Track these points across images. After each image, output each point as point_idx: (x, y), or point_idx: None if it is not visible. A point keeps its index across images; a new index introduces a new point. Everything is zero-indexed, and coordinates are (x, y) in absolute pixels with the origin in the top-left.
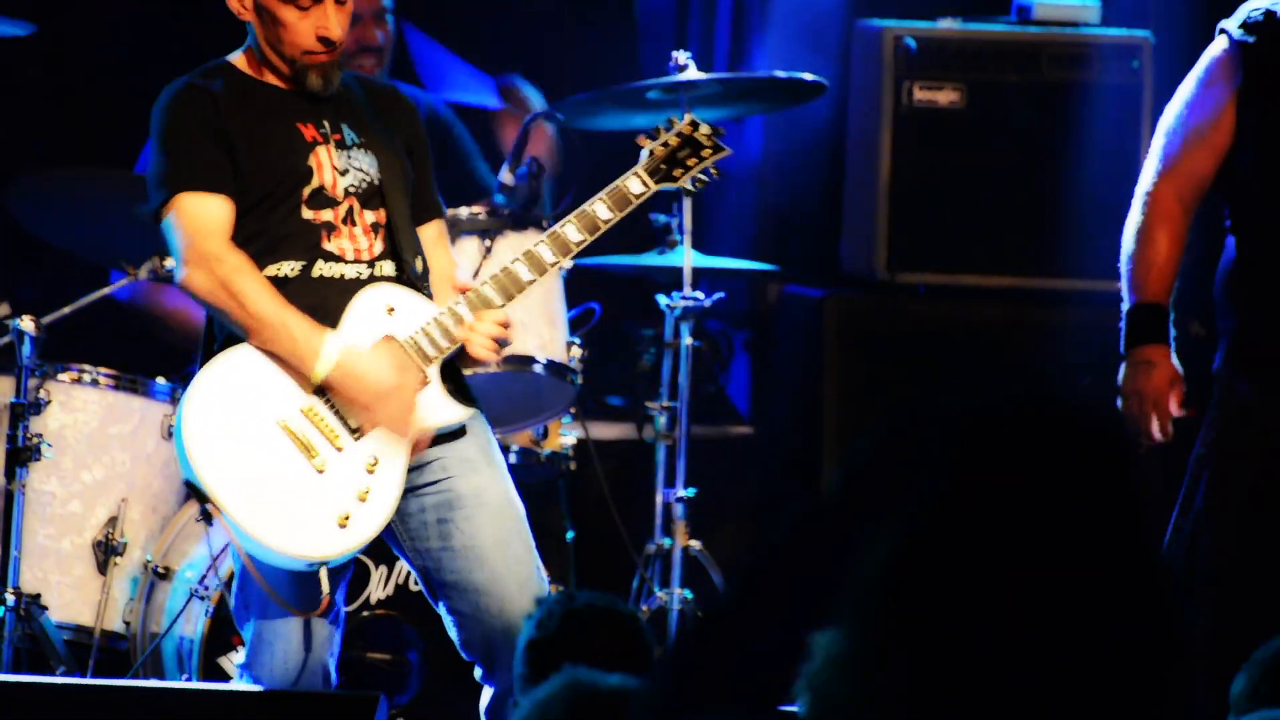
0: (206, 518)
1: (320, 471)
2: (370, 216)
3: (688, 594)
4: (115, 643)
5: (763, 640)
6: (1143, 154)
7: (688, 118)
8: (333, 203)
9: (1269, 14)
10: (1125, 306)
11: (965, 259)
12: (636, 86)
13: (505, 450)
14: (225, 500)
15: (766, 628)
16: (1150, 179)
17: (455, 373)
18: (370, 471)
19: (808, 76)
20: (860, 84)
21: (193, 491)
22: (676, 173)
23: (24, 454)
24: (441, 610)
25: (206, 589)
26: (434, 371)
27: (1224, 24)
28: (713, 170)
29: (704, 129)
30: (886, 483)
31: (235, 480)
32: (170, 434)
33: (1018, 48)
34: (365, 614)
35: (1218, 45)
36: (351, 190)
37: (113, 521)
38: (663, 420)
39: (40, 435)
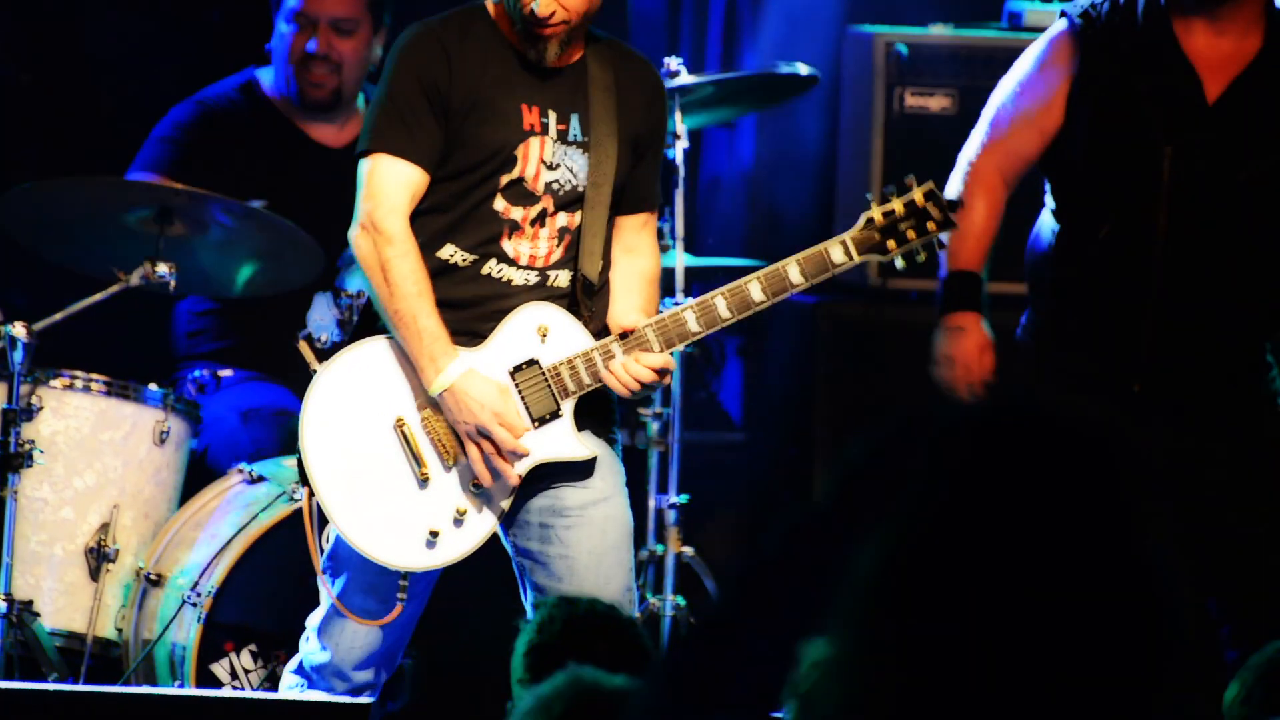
0: (307, 493)
1: (425, 480)
2: (563, 220)
3: (680, 600)
4: (107, 650)
5: (755, 647)
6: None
7: (927, 185)
8: (529, 198)
9: (1113, 2)
10: (941, 273)
11: None
12: None
13: None
14: (323, 485)
15: (758, 634)
16: (975, 149)
17: (599, 405)
18: (474, 494)
19: (802, 69)
20: (852, 90)
21: (300, 467)
22: (890, 244)
23: (16, 460)
24: (527, 604)
25: (199, 596)
26: (569, 406)
27: (1067, 7)
28: (936, 245)
29: (939, 200)
30: (878, 489)
31: (338, 469)
32: (163, 440)
33: (1009, 54)
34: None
35: (1057, 27)
36: (553, 188)
37: (105, 528)
38: (655, 426)
39: (32, 441)
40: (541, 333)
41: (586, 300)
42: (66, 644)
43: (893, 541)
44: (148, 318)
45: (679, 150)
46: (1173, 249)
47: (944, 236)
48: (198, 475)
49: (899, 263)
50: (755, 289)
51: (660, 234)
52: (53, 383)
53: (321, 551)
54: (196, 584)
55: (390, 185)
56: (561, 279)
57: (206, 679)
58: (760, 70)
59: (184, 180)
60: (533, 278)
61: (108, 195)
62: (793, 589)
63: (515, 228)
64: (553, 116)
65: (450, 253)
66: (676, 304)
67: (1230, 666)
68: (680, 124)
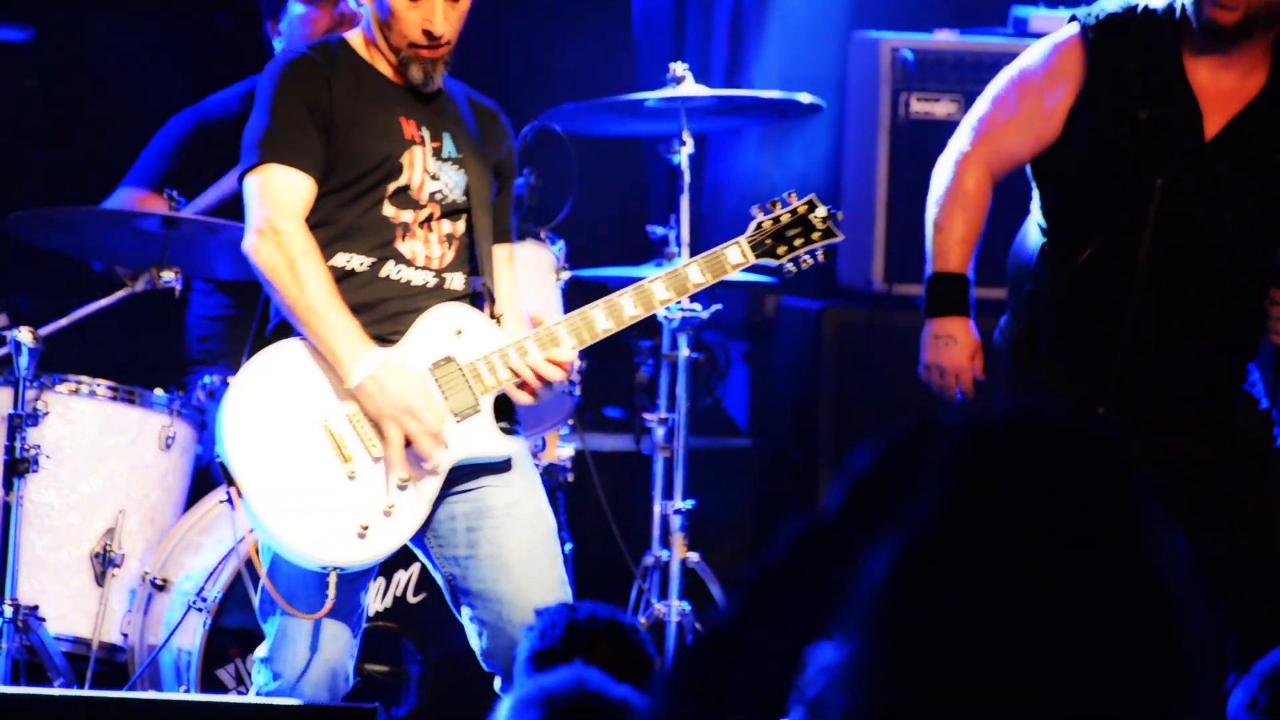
0: (229, 501)
1: (351, 478)
2: (448, 227)
3: (686, 606)
4: (113, 655)
5: (762, 654)
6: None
7: (808, 197)
8: (415, 205)
9: (1127, 14)
10: (927, 272)
11: None
12: (630, 100)
13: None
14: (250, 488)
15: (766, 641)
16: (967, 142)
17: (506, 403)
18: (401, 488)
19: (804, 99)
20: (857, 95)
21: (222, 472)
22: (780, 250)
23: (21, 465)
24: (464, 618)
25: (204, 601)
26: (488, 401)
27: (1079, 13)
28: (820, 254)
29: (820, 211)
30: (886, 496)
31: (264, 470)
32: (168, 445)
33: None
34: (363, 626)
35: (1067, 32)
36: (436, 198)
37: (110, 533)
38: (660, 432)
39: (38, 446)
40: (457, 332)
41: (491, 306)
42: (72, 649)
43: (905, 548)
44: (156, 322)
45: (684, 156)
46: (1152, 279)
47: (828, 245)
48: (204, 480)
49: (789, 266)
50: (659, 287)
51: (665, 240)
52: (58, 388)
53: (259, 557)
54: (202, 589)
55: (285, 191)
56: (456, 282)
57: (212, 684)
58: (765, 97)
59: (183, 191)
60: (430, 279)
61: (107, 218)
62: (800, 595)
63: (406, 229)
64: (427, 132)
65: (346, 260)
66: (683, 311)
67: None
68: (685, 130)
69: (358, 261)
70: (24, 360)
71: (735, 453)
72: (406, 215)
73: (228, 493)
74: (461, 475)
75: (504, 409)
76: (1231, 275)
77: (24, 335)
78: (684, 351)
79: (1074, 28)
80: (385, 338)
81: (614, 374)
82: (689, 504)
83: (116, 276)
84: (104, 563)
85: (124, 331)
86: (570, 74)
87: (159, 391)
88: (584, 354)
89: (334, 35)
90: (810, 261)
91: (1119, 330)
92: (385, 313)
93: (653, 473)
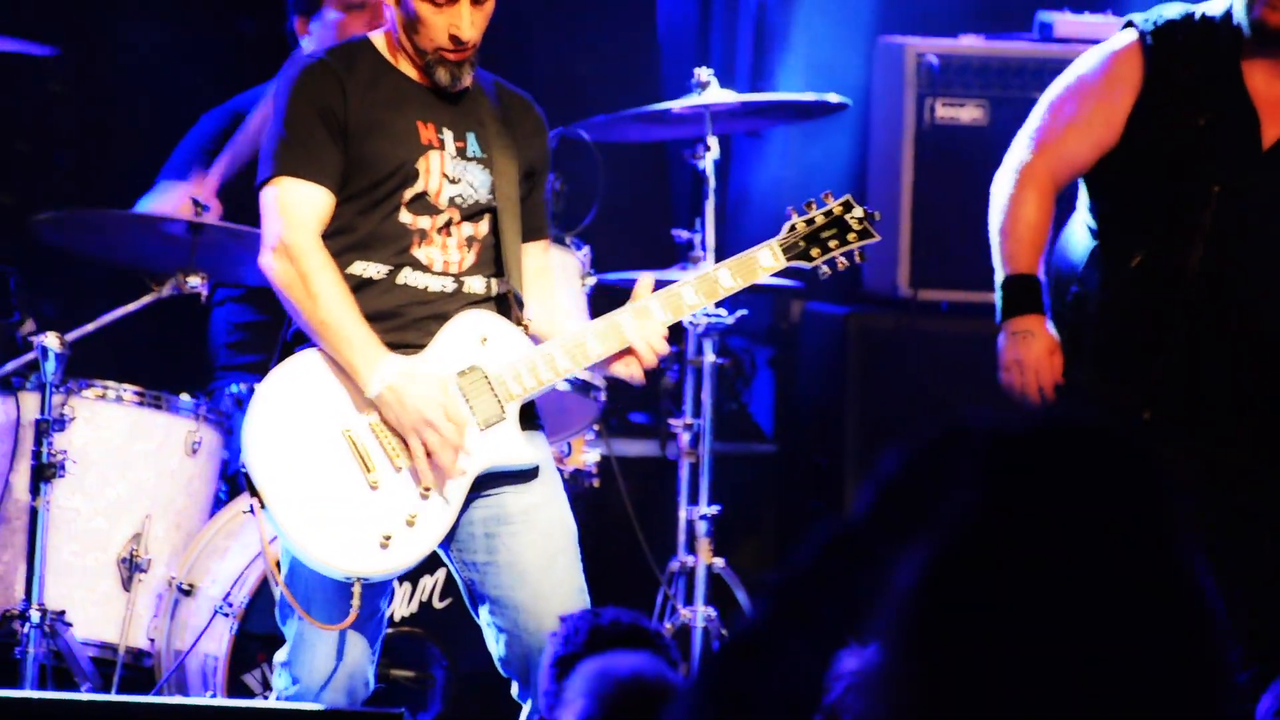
0: (252, 510)
1: (374, 488)
2: (469, 230)
3: (711, 611)
4: (140, 660)
5: (789, 660)
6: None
7: (844, 198)
8: (433, 210)
9: (1185, 20)
10: (998, 278)
11: (988, 276)
12: (654, 111)
13: None
14: (273, 498)
15: (793, 647)
16: (1027, 151)
17: (528, 411)
18: (424, 497)
19: (832, 98)
20: (882, 101)
21: (245, 482)
22: (814, 252)
23: (48, 470)
24: (482, 624)
25: (231, 606)
26: (514, 409)
27: (1135, 18)
28: (858, 255)
29: (857, 212)
30: (914, 502)
31: (287, 480)
32: (195, 450)
33: (1040, 64)
34: (389, 631)
35: (1125, 38)
36: (456, 202)
37: (137, 538)
38: (686, 437)
39: (65, 452)
40: (482, 340)
41: (518, 311)
42: (99, 654)
43: (934, 555)
44: (182, 327)
45: (709, 161)
46: (1202, 286)
47: (866, 246)
48: (230, 486)
49: (824, 268)
50: (689, 291)
51: (690, 245)
52: (85, 393)
53: (279, 566)
54: (228, 594)
55: (298, 205)
56: (476, 285)
57: (238, 689)
58: (791, 99)
59: (218, 184)
60: (449, 284)
61: (135, 224)
62: (827, 601)
63: (423, 236)
64: (449, 134)
65: (362, 268)
66: (708, 316)
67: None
68: (710, 134)
69: (374, 269)
70: (51, 365)
71: (760, 458)
72: (424, 221)
73: (250, 503)
74: (485, 481)
75: (530, 418)
76: None
77: (51, 340)
78: (709, 357)
79: (1131, 34)
80: (407, 345)
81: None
82: (714, 509)
83: (146, 280)
84: (130, 568)
85: (150, 336)
86: (595, 79)
87: (185, 397)
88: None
89: (357, 35)
90: (846, 263)
91: (1168, 336)
92: (405, 320)
93: (678, 478)
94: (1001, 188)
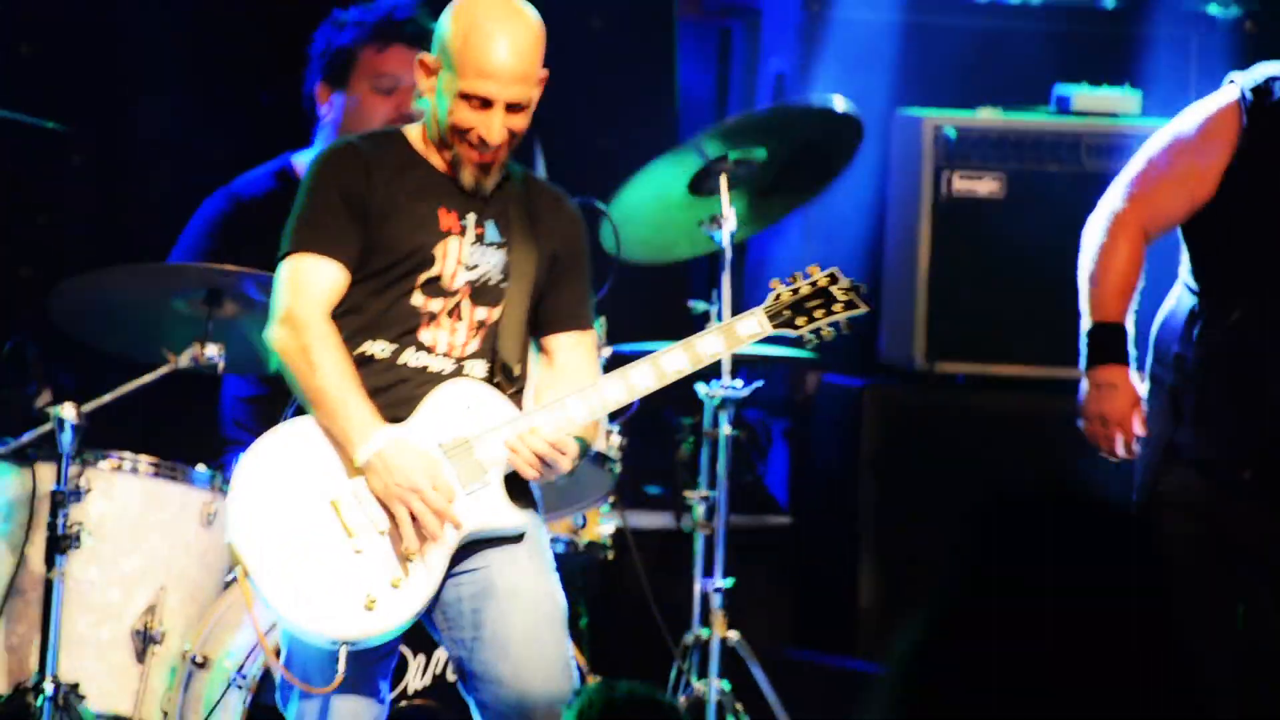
0: (236, 579)
1: (357, 553)
2: (480, 313)
3: (725, 685)
4: None
5: None
6: (1184, 247)
7: (830, 270)
8: (445, 293)
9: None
10: (1084, 326)
11: (1004, 349)
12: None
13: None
14: (255, 566)
15: None
16: (1120, 200)
17: (519, 480)
18: (408, 562)
19: (839, 104)
20: (899, 172)
21: (230, 553)
22: (799, 321)
23: (64, 542)
24: (470, 701)
25: (244, 679)
26: (497, 474)
27: (1237, 76)
28: (844, 326)
29: (843, 282)
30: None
31: (271, 549)
32: (210, 522)
33: (1057, 138)
34: (403, 703)
35: (1226, 96)
36: (471, 285)
37: (151, 610)
38: (701, 509)
39: (80, 523)
40: (467, 407)
41: (506, 382)
42: None
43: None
44: (198, 398)
45: (725, 232)
46: None
47: (852, 317)
48: None
49: (809, 337)
50: (672, 359)
51: (706, 316)
52: (101, 464)
53: (279, 648)
54: (242, 666)
55: (310, 280)
56: (477, 369)
57: None
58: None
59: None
60: (449, 366)
61: (157, 280)
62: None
63: (432, 318)
64: (470, 219)
65: (368, 347)
66: (724, 388)
67: None
68: (727, 204)
69: (379, 348)
70: (67, 437)
71: (776, 531)
72: (435, 304)
73: (235, 572)
74: (471, 551)
75: (517, 482)
76: None
77: (67, 412)
78: (725, 429)
79: (1232, 90)
80: (395, 419)
81: (654, 451)
82: (729, 582)
83: (163, 352)
84: (145, 640)
85: (167, 407)
86: (614, 150)
87: (201, 468)
88: (625, 431)
89: (392, 127)
90: (832, 333)
91: (1269, 392)
92: (399, 396)
93: (693, 550)
94: (1093, 235)
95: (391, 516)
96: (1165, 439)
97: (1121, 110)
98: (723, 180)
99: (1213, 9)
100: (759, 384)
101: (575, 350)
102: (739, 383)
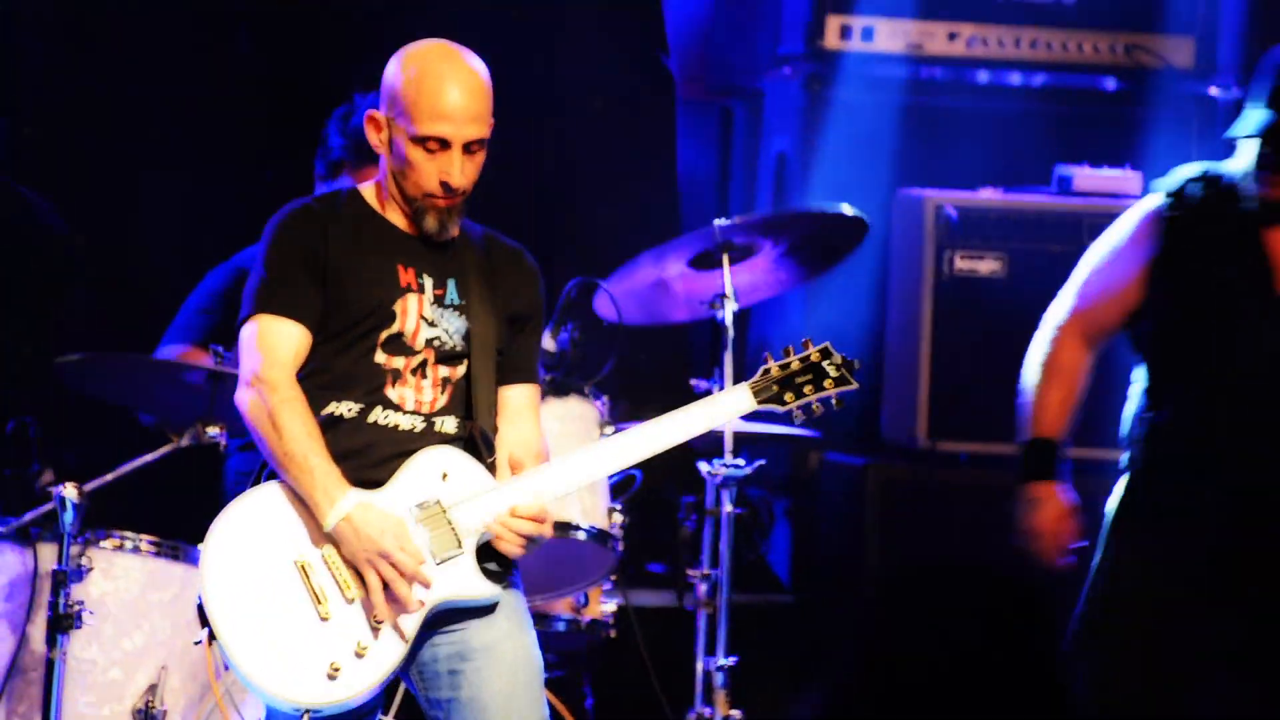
0: (210, 640)
1: (324, 619)
2: (444, 371)
3: None
4: None
5: None
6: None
7: (822, 345)
8: (409, 351)
9: (1205, 181)
10: (1022, 438)
11: (1006, 428)
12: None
13: (548, 617)
14: (224, 630)
15: None
16: (1063, 315)
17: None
18: (375, 629)
19: (847, 210)
20: (901, 252)
21: (199, 615)
22: (788, 397)
23: (65, 621)
24: None
25: None
26: (470, 543)
27: (1159, 182)
28: (835, 402)
29: (836, 358)
30: None
31: (239, 612)
32: None
33: (1059, 218)
34: None
35: (1148, 203)
36: (433, 344)
37: (153, 689)
38: (703, 588)
39: (81, 602)
40: (443, 475)
41: (485, 450)
42: None
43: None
44: (200, 477)
45: (728, 312)
46: (1234, 433)
47: (843, 394)
48: None
49: (797, 413)
50: (656, 432)
51: (709, 395)
52: (102, 543)
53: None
54: None
55: (274, 342)
56: (448, 425)
57: None
58: (805, 211)
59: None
60: (419, 423)
61: (153, 369)
62: None
63: (397, 376)
64: (429, 280)
65: (335, 407)
66: (726, 466)
67: None
68: (728, 284)
69: (346, 408)
70: (69, 516)
71: (778, 609)
72: (398, 361)
73: (208, 633)
74: (447, 617)
75: (493, 551)
76: None
77: (69, 491)
78: (727, 507)
79: (1154, 198)
80: (374, 481)
81: (657, 529)
82: (731, 661)
83: (166, 431)
84: (146, 719)
85: (168, 486)
86: (615, 227)
87: (202, 547)
88: (627, 509)
89: (345, 186)
90: (821, 409)
91: (1207, 486)
92: (374, 458)
93: (695, 629)
94: (1038, 346)
95: (361, 582)
96: (1122, 535)
97: (1123, 191)
98: (725, 261)
99: (1214, 90)
100: (761, 462)
101: (523, 403)
102: (741, 461)
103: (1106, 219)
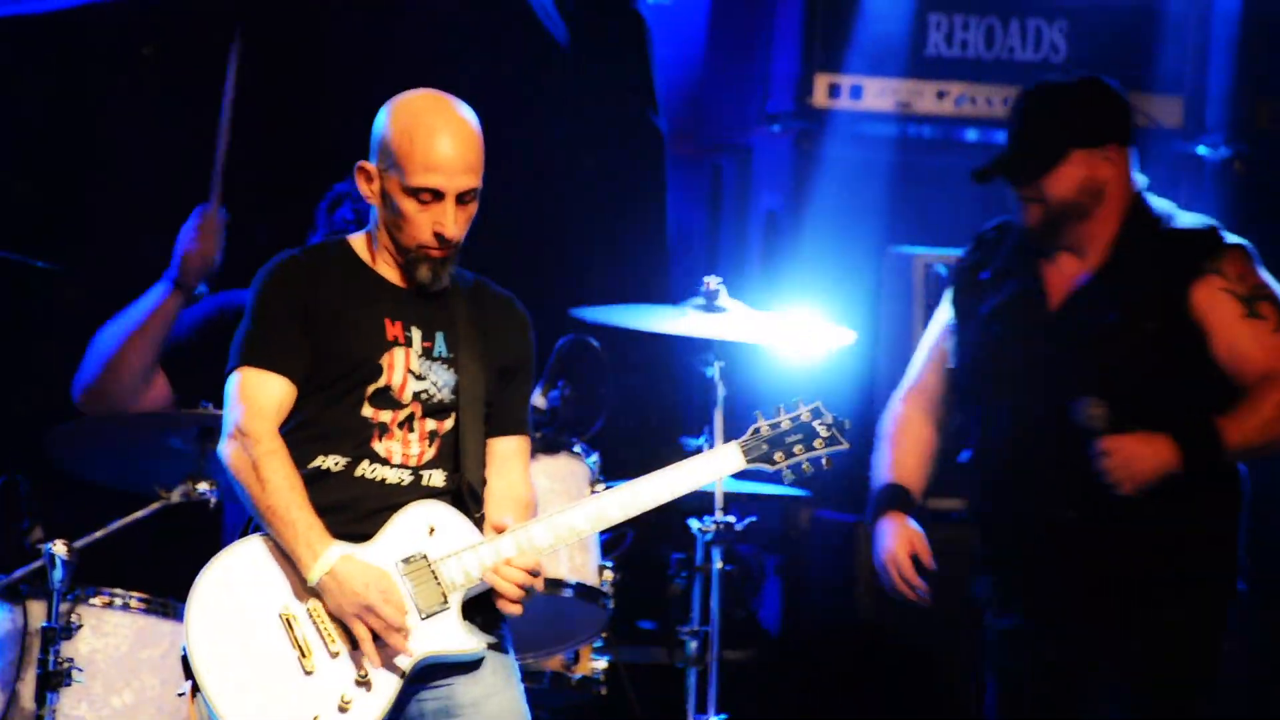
0: (194, 692)
1: (309, 673)
2: (431, 424)
3: None
4: None
5: None
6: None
7: (814, 404)
8: (396, 404)
9: (988, 232)
10: (874, 484)
11: None
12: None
13: (539, 674)
14: (207, 682)
15: None
16: (908, 378)
17: (488, 603)
18: (359, 683)
19: (846, 337)
20: (890, 309)
21: (184, 666)
22: (778, 456)
23: (55, 679)
24: None
25: None
26: (457, 599)
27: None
28: (825, 462)
29: (826, 417)
30: None
31: (223, 665)
32: None
33: None
34: None
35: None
36: (421, 397)
37: None
38: (694, 645)
39: (71, 660)
40: (430, 530)
41: (473, 505)
42: None
43: None
44: (190, 533)
45: (716, 368)
46: (1017, 454)
47: (833, 454)
48: None
49: (787, 473)
50: (646, 489)
51: (699, 452)
52: (92, 600)
53: None
54: None
55: (256, 394)
56: (435, 479)
57: None
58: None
59: (200, 376)
60: (406, 477)
61: (149, 422)
62: None
63: (385, 430)
64: (416, 333)
65: (323, 460)
66: (716, 524)
67: None
68: (719, 344)
69: (333, 461)
70: (58, 573)
71: (769, 666)
72: (385, 415)
73: (191, 684)
74: (433, 672)
75: (486, 607)
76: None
77: (59, 548)
78: (717, 564)
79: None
80: (361, 535)
81: (647, 587)
82: (722, 718)
83: (156, 487)
84: None
85: (158, 543)
86: (606, 283)
87: (188, 598)
88: (617, 566)
89: (335, 237)
90: (811, 469)
91: (1004, 515)
92: (361, 511)
93: (686, 686)
94: (892, 403)
95: (346, 635)
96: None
97: None
98: (717, 321)
99: (1202, 150)
100: (752, 519)
101: (513, 457)
102: (731, 518)
103: None
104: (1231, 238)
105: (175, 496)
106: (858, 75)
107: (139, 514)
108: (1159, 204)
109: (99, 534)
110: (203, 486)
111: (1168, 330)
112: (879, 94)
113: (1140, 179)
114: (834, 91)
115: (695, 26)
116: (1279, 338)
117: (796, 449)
